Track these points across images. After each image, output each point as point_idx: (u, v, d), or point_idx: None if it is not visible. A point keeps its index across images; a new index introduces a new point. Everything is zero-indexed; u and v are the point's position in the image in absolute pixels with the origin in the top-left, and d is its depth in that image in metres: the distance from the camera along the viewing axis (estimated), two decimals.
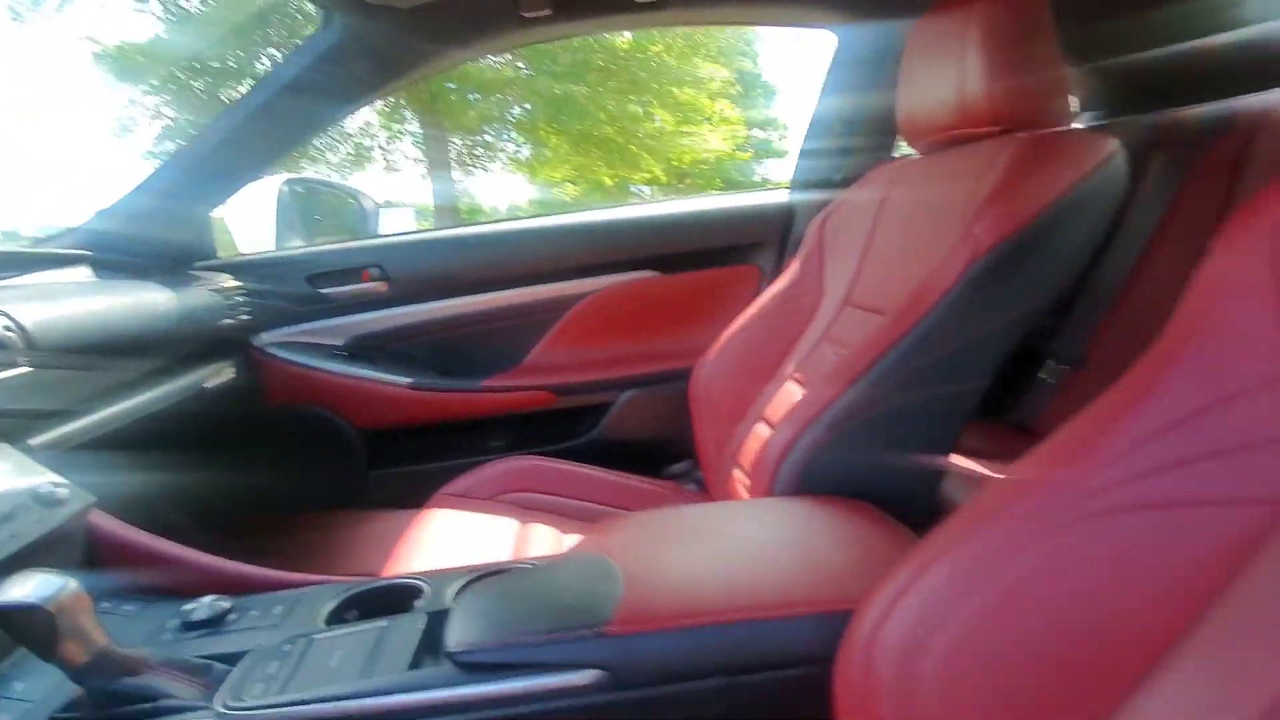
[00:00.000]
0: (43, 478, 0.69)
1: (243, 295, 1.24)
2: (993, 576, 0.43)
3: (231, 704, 0.52)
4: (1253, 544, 0.38)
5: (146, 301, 1.02)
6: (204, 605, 0.65)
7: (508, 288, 1.40)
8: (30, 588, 0.50)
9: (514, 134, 9.66)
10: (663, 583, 0.56)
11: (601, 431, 1.41)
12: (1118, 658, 0.40)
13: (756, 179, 11.35)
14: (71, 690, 0.55)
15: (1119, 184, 0.80)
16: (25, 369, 0.73)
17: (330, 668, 0.54)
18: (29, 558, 0.63)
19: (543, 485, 1.17)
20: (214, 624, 0.63)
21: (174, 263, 1.21)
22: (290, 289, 1.32)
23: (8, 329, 0.72)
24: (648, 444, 1.42)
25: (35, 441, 0.76)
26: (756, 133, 11.64)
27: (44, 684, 0.56)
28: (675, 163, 9.90)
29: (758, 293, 1.32)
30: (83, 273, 1.11)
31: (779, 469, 0.80)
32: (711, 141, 9.59)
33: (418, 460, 1.41)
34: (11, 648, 0.58)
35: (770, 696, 0.52)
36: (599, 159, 9.38)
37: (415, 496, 1.13)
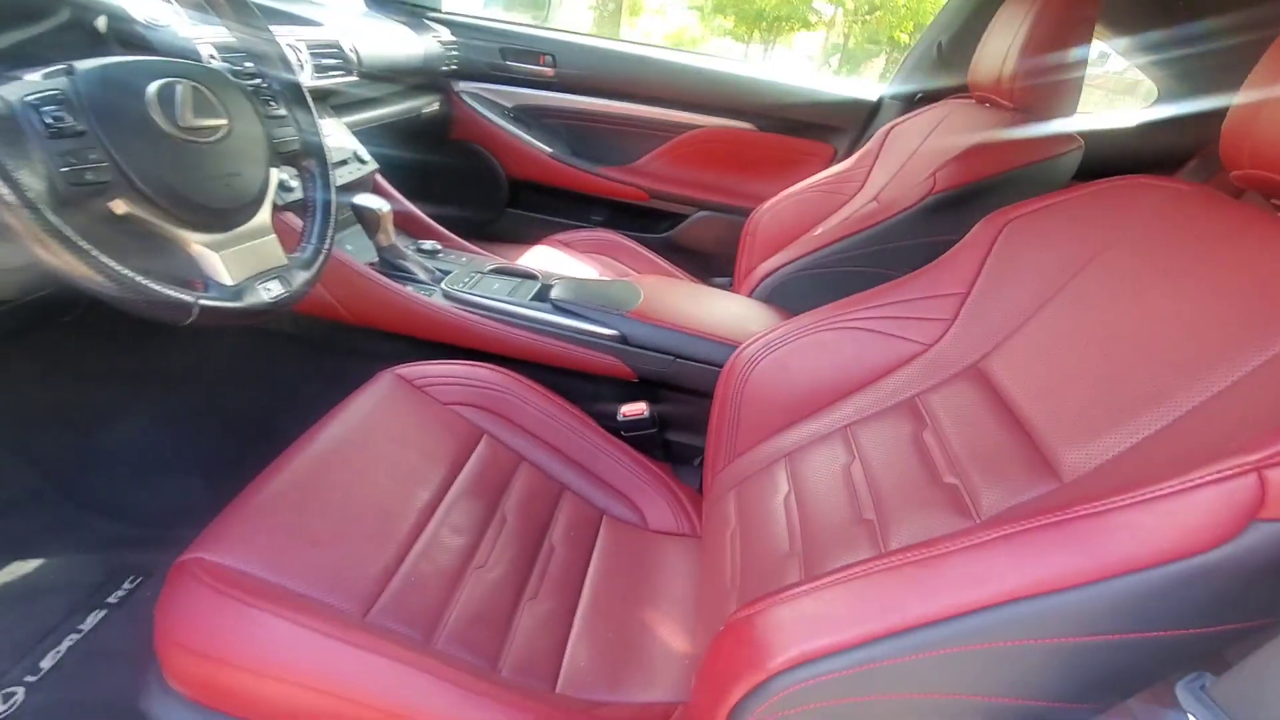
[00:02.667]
0: (355, 145, 1.23)
1: (455, 50, 1.69)
2: (799, 331, 0.90)
3: (447, 288, 1.08)
4: None
5: (407, 41, 1.49)
6: (429, 244, 1.21)
7: (641, 103, 1.79)
8: (373, 200, 1.04)
9: None
10: (662, 305, 1.07)
11: (674, 235, 1.87)
12: None
13: None
14: (373, 256, 1.12)
15: (1064, 176, 1.13)
16: (354, 77, 1.23)
17: (493, 289, 1.09)
18: (351, 188, 1.18)
19: (620, 254, 1.66)
20: (432, 255, 1.19)
21: (413, 11, 1.65)
22: (487, 55, 1.76)
23: (352, 51, 1.21)
24: (704, 255, 1.88)
25: (349, 120, 1.29)
26: None
27: (363, 248, 1.13)
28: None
29: (825, 167, 1.67)
30: (359, 7, 1.57)
31: (760, 284, 1.26)
32: None
33: (540, 211, 1.92)
34: (352, 225, 1.15)
35: (693, 378, 1.04)
36: None
37: (531, 237, 1.64)
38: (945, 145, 1.22)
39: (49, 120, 0.51)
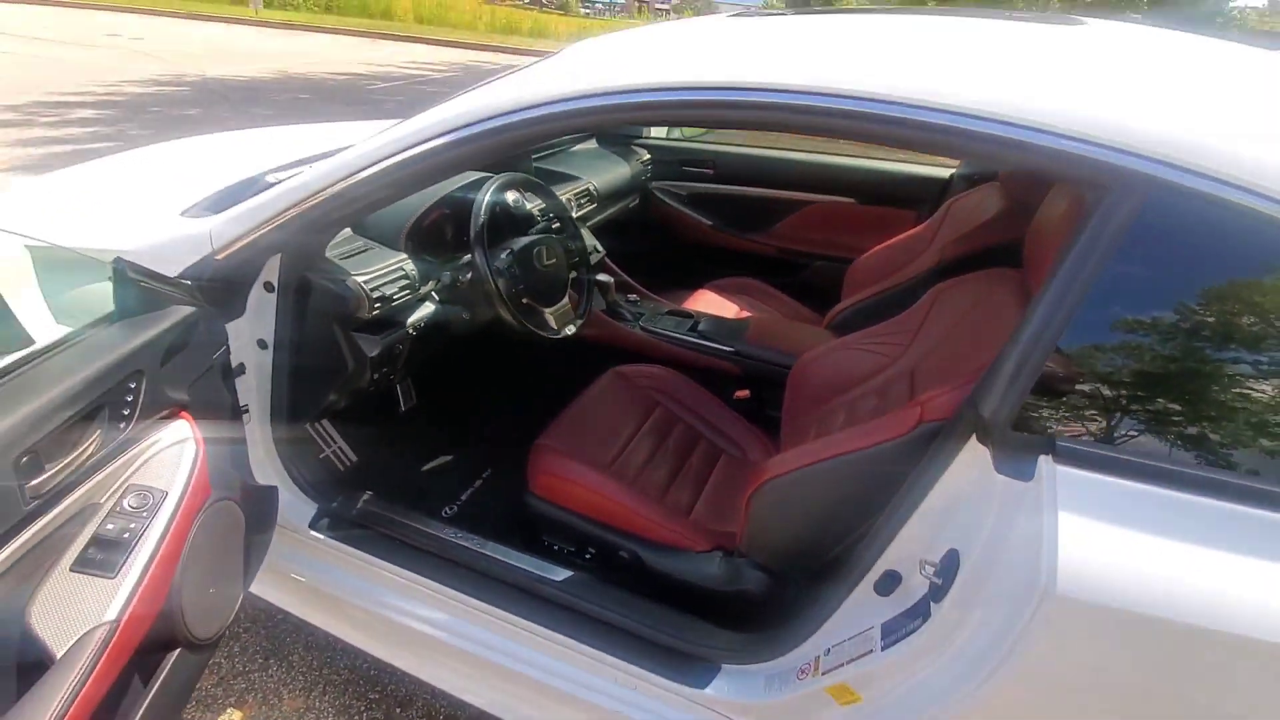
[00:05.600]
0: (594, 241, 2.15)
1: (651, 164, 2.59)
2: (831, 350, 1.61)
3: (644, 325, 1.95)
4: None
5: (621, 166, 2.42)
6: (633, 297, 2.09)
7: (775, 188, 2.55)
8: (603, 277, 1.94)
9: None
10: (762, 333, 1.84)
11: (798, 280, 2.59)
12: None
13: None
14: (603, 306, 2.02)
15: None
16: (596, 204, 2.17)
17: (668, 325, 1.94)
18: (594, 269, 2.10)
19: (757, 295, 2.41)
20: (635, 304, 2.07)
21: (625, 140, 2.59)
22: (671, 165, 2.64)
23: (594, 189, 2.15)
24: (820, 293, 2.56)
25: (591, 225, 2.23)
26: None
27: (599, 303, 2.04)
28: None
29: (910, 229, 2.28)
30: (591, 143, 2.53)
31: (834, 319, 1.97)
32: None
33: (705, 265, 2.74)
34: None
35: (777, 376, 1.78)
36: None
37: (697, 284, 2.44)
38: (963, 223, 1.83)
39: (511, 274, 1.45)
